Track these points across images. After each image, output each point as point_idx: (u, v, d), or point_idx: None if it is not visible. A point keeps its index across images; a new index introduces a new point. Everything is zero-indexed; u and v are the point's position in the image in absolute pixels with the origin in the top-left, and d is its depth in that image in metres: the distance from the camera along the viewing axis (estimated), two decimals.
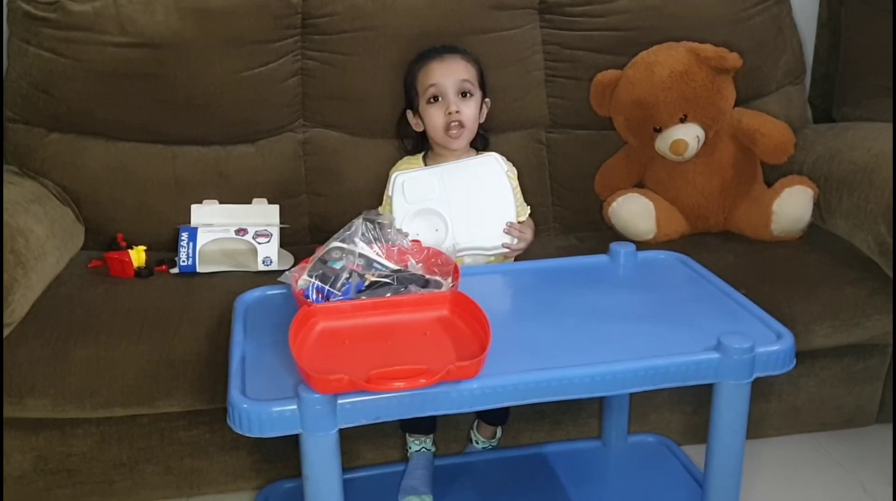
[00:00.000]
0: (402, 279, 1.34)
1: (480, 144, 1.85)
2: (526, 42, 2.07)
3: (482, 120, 1.80)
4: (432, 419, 1.68)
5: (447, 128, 1.71)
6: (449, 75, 1.72)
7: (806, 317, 1.70)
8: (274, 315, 1.34)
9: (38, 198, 1.84)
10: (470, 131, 1.74)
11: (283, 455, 1.69)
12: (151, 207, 1.97)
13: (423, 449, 1.68)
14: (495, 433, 1.76)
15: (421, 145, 1.85)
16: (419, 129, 1.80)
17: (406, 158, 1.85)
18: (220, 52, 1.95)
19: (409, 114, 1.83)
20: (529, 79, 2.08)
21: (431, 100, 1.73)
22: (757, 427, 1.73)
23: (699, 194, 1.97)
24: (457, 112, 1.70)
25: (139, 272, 1.78)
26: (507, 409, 1.71)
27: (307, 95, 2.03)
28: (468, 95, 1.73)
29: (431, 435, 1.69)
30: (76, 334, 1.56)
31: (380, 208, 1.74)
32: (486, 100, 1.82)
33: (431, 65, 1.75)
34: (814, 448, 1.87)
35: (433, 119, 1.73)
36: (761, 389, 1.78)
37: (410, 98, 1.82)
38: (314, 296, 1.29)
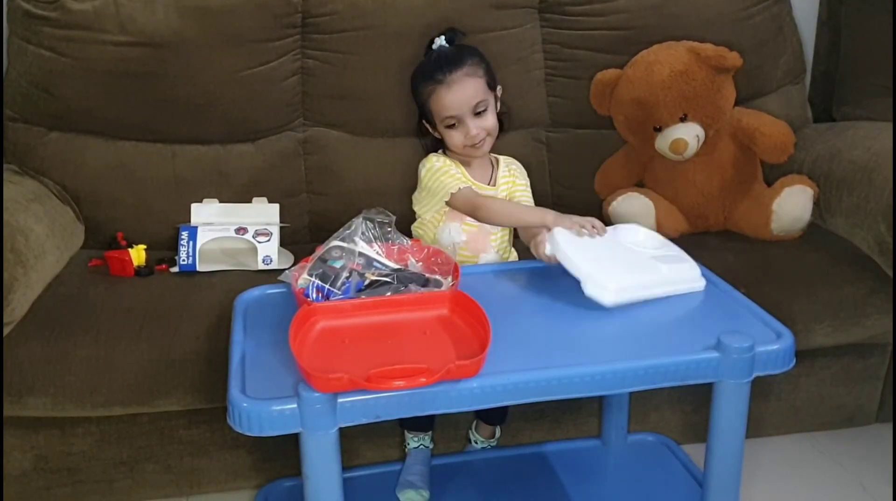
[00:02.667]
0: (403, 278, 1.34)
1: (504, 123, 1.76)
2: (526, 41, 2.07)
3: (497, 109, 1.72)
4: (431, 416, 1.68)
5: (471, 146, 1.66)
6: (462, 104, 1.63)
7: (806, 316, 1.70)
8: (274, 314, 1.34)
9: (38, 197, 1.84)
10: (493, 136, 1.68)
11: (283, 453, 1.69)
12: (151, 206, 1.97)
13: (422, 446, 1.68)
14: (494, 432, 1.76)
15: (440, 145, 1.76)
16: (439, 136, 1.72)
17: (436, 155, 1.73)
18: (220, 51, 1.95)
19: (426, 124, 1.73)
20: (529, 78, 2.08)
21: (450, 124, 1.65)
22: (757, 426, 1.73)
23: (699, 193, 1.97)
24: (477, 134, 1.64)
25: (139, 271, 1.78)
26: (505, 408, 1.72)
27: (307, 94, 2.03)
28: (484, 110, 1.65)
29: (430, 432, 1.69)
30: (76, 333, 1.56)
31: (416, 194, 1.71)
32: (499, 88, 1.72)
33: (440, 94, 1.64)
34: (813, 448, 1.87)
35: (454, 140, 1.66)
36: (761, 388, 1.78)
37: (423, 112, 1.71)
38: (314, 295, 1.29)
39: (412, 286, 1.32)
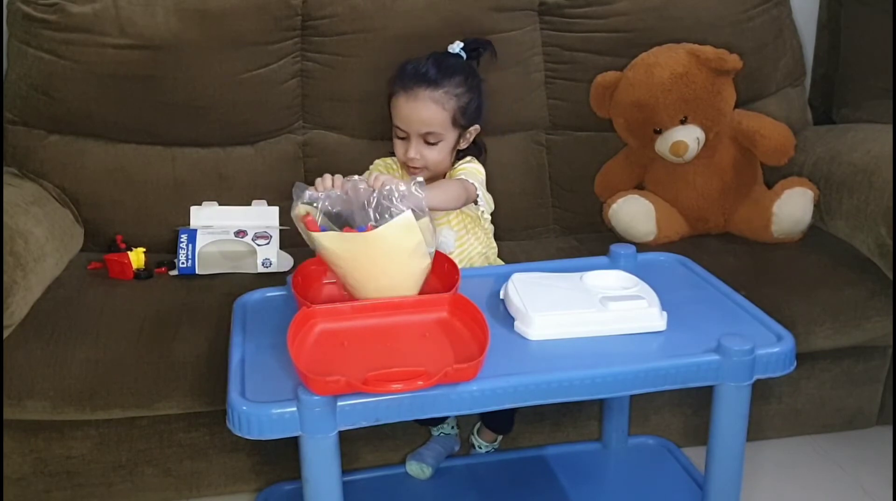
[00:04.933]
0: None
1: (475, 151, 1.68)
2: (526, 44, 2.07)
3: (465, 145, 1.64)
4: None
5: (405, 163, 1.61)
6: (412, 122, 1.55)
7: (806, 319, 1.69)
8: (273, 317, 1.34)
9: (38, 200, 1.84)
10: (432, 171, 1.60)
11: (283, 457, 1.68)
12: (151, 208, 1.97)
13: (442, 434, 1.73)
14: (496, 437, 1.76)
15: None
16: None
17: (384, 160, 1.71)
18: (220, 54, 1.95)
19: None
20: (529, 80, 2.08)
21: (398, 135, 1.59)
22: (757, 429, 1.73)
23: (699, 195, 1.97)
24: (413, 159, 1.57)
25: (138, 274, 1.78)
26: (511, 418, 1.72)
27: (307, 96, 2.03)
28: (434, 142, 1.56)
29: (447, 421, 1.74)
30: (75, 335, 1.56)
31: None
32: (475, 127, 1.63)
33: (399, 101, 1.57)
34: (814, 450, 1.87)
35: (396, 149, 1.61)
36: (761, 391, 1.78)
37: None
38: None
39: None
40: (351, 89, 2.01)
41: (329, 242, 1.24)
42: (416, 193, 1.25)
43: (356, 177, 1.29)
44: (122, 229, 1.95)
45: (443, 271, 1.36)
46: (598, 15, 2.07)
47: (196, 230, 1.83)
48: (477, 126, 1.64)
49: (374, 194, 1.25)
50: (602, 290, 1.31)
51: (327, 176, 1.31)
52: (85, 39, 1.91)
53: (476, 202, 1.56)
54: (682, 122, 1.91)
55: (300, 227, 1.30)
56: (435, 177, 1.62)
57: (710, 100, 1.91)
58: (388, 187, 1.24)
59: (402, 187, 1.24)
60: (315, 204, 1.29)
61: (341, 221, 1.29)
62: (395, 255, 1.25)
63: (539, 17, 2.09)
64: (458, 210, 1.61)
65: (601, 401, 1.75)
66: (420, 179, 1.27)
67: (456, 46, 1.66)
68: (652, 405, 1.80)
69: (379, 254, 1.24)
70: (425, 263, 1.29)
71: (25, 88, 1.94)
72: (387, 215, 1.23)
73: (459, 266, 1.60)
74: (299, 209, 1.31)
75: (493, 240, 1.71)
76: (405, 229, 1.22)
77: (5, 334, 1.54)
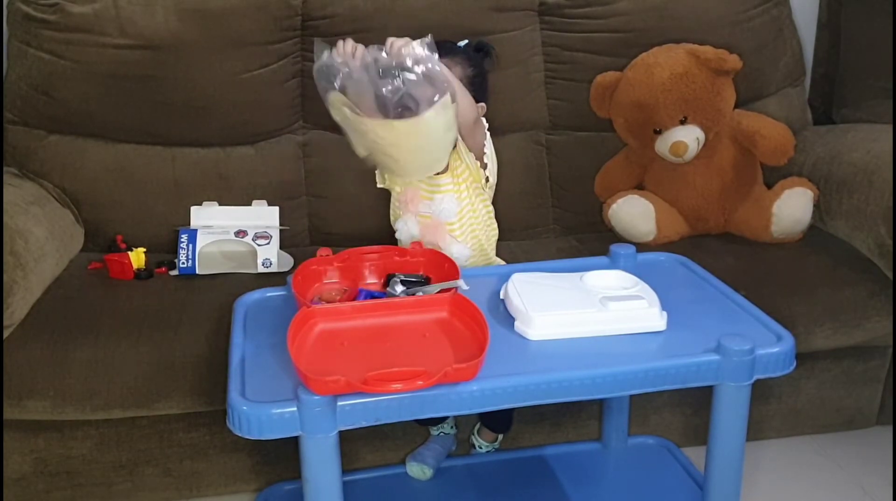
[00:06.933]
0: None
1: None
2: (526, 44, 2.07)
3: None
4: None
5: None
6: None
7: (806, 319, 1.69)
8: (273, 317, 1.34)
9: (38, 200, 1.84)
10: None
11: (283, 456, 1.69)
12: (151, 208, 1.97)
13: (441, 433, 1.73)
14: (497, 437, 1.76)
15: None
16: None
17: None
18: (220, 54, 1.95)
19: None
20: (529, 80, 2.08)
21: None
22: (757, 429, 1.73)
23: (699, 195, 1.97)
24: None
25: (139, 274, 1.78)
26: (510, 417, 1.72)
27: (307, 96, 2.03)
28: None
29: (447, 421, 1.74)
30: (76, 335, 1.56)
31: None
32: (481, 105, 1.62)
33: None
34: (814, 450, 1.87)
35: None
36: (761, 391, 1.78)
37: None
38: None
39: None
40: None
41: (379, 128, 1.36)
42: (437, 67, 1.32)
43: (375, 46, 1.33)
44: (122, 229, 1.95)
45: (443, 271, 1.36)
46: (598, 15, 2.07)
47: (196, 230, 1.83)
48: (483, 105, 1.65)
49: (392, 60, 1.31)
50: (602, 290, 1.31)
51: (349, 41, 1.35)
52: (85, 39, 1.91)
53: (484, 166, 1.59)
54: (682, 122, 1.91)
55: (329, 93, 1.36)
56: None
57: (710, 100, 1.91)
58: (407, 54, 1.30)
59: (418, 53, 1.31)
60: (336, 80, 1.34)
61: (359, 98, 1.35)
62: (434, 133, 1.39)
63: (539, 17, 2.09)
64: (464, 182, 1.59)
65: (601, 401, 1.75)
66: (429, 40, 1.33)
67: (462, 42, 1.70)
68: (652, 405, 1.80)
69: (421, 135, 1.38)
70: (452, 135, 1.44)
71: (26, 88, 1.94)
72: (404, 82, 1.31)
73: (460, 240, 1.61)
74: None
75: (494, 222, 1.68)
76: (443, 108, 1.34)
77: (5, 334, 1.54)
